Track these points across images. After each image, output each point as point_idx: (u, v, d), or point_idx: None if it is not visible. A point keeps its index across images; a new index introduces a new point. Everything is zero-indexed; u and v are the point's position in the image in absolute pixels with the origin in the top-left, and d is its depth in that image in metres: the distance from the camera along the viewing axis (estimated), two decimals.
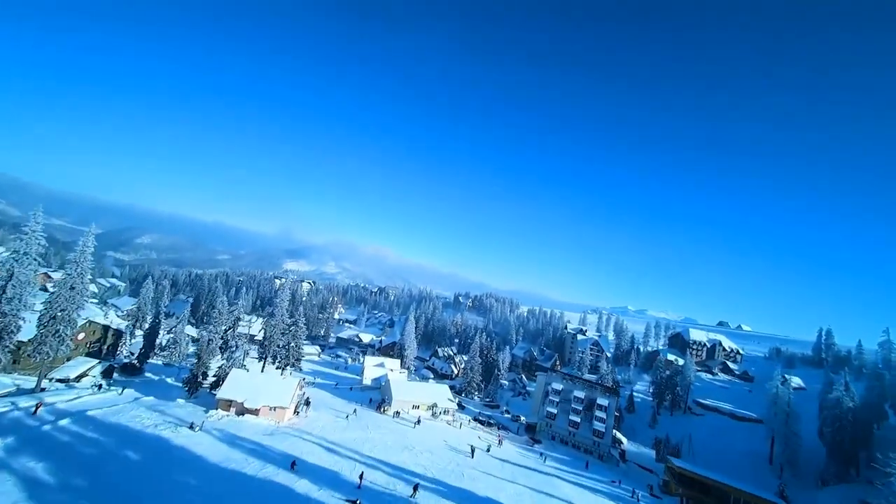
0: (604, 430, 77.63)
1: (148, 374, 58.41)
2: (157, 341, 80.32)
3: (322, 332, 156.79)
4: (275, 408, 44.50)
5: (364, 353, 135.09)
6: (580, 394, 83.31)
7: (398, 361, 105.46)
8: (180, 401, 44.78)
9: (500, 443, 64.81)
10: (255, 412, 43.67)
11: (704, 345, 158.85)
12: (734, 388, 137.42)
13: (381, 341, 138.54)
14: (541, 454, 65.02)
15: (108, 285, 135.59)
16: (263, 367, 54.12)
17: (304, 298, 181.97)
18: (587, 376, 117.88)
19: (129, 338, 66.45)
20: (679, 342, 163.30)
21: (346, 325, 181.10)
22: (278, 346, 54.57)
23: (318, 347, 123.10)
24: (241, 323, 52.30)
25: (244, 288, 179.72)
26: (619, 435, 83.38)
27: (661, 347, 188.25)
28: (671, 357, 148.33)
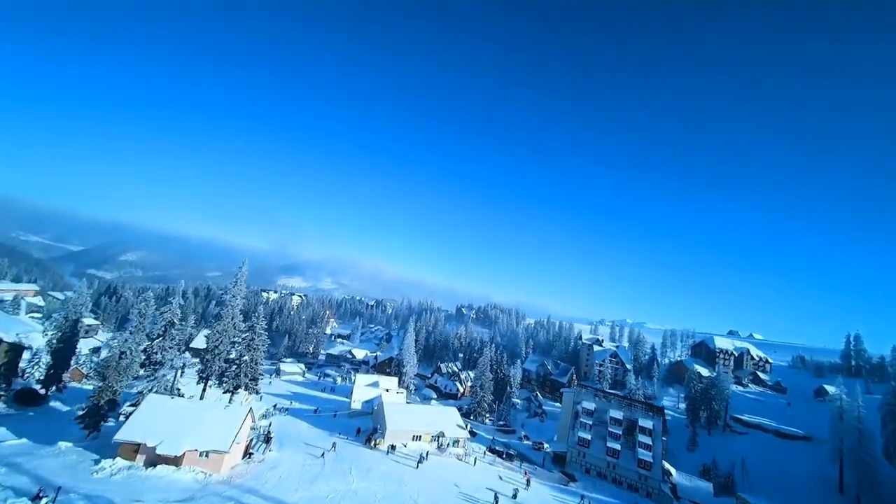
0: (651, 460, 62.41)
1: (55, 404, 43.37)
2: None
3: (311, 349, 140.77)
4: (207, 452, 29.77)
5: (356, 371, 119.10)
6: (617, 414, 68.35)
7: (395, 380, 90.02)
8: (64, 444, 30.01)
9: (528, 483, 49.67)
10: (176, 461, 28.93)
11: (732, 353, 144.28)
12: (769, 400, 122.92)
13: (376, 357, 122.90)
14: (581, 497, 49.82)
15: (63, 298, 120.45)
16: (204, 391, 39.57)
17: (292, 312, 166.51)
18: (613, 391, 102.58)
19: (49, 356, 51.29)
20: (703, 351, 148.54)
21: (339, 340, 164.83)
22: (226, 362, 40.05)
23: (301, 366, 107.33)
24: (174, 330, 37.88)
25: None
26: (666, 465, 68.03)
27: (680, 358, 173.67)
28: (698, 368, 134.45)
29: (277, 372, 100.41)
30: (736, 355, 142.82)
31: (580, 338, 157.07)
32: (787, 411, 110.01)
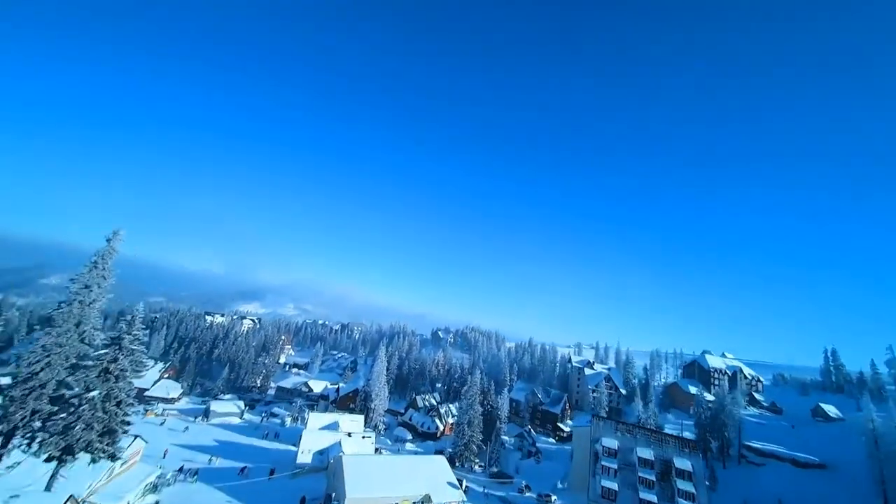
0: None
1: None
2: None
3: (258, 382, 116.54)
4: None
5: (312, 408, 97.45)
6: (646, 453, 54.06)
7: (360, 418, 71.14)
8: None
9: None
10: None
11: (725, 373, 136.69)
12: (770, 423, 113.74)
13: (337, 390, 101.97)
14: None
15: None
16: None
17: (239, 338, 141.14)
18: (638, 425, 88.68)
19: None
20: (696, 371, 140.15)
21: (294, 370, 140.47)
22: (53, 402, 21.51)
23: (240, 404, 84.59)
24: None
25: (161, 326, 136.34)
26: None
27: (667, 378, 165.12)
28: (693, 389, 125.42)
29: (206, 413, 77.65)
30: (729, 374, 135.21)
31: (569, 361, 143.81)
32: (792, 435, 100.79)
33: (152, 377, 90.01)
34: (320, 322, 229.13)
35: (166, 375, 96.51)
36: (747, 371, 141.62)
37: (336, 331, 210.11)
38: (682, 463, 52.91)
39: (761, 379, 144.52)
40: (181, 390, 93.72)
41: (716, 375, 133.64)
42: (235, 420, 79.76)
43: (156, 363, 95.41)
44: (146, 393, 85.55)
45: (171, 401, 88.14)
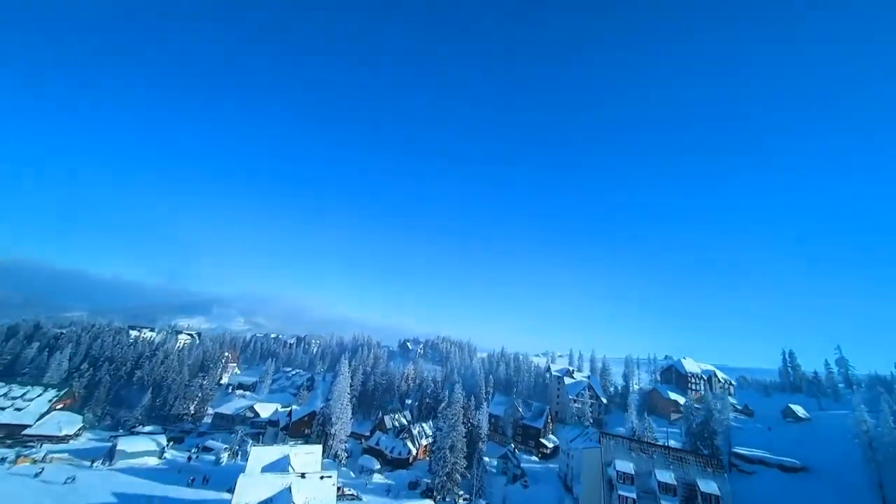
0: None
1: None
2: None
3: (191, 409, 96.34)
4: None
5: (259, 437, 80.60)
6: (666, 476, 45.82)
7: (318, 449, 57.04)
8: None
9: None
10: None
11: (701, 377, 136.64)
12: (747, 426, 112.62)
13: (289, 413, 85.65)
14: None
15: None
16: None
17: (170, 356, 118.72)
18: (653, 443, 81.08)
19: None
20: (674, 376, 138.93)
21: (239, 392, 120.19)
22: None
23: (160, 440, 65.97)
24: None
25: (66, 345, 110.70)
26: None
27: (639, 385, 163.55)
28: (675, 396, 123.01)
29: (110, 455, 59.21)
30: (705, 379, 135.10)
31: (548, 370, 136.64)
32: (771, 438, 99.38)
33: (38, 409, 69.04)
34: (273, 336, 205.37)
35: (60, 406, 75.10)
36: (720, 375, 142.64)
37: (291, 345, 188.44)
38: (708, 486, 45.32)
39: (733, 382, 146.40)
40: (81, 424, 72.97)
41: (693, 380, 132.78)
42: (152, 461, 61.75)
43: (45, 391, 74.02)
44: (26, 432, 64.80)
45: (65, 439, 67.69)
